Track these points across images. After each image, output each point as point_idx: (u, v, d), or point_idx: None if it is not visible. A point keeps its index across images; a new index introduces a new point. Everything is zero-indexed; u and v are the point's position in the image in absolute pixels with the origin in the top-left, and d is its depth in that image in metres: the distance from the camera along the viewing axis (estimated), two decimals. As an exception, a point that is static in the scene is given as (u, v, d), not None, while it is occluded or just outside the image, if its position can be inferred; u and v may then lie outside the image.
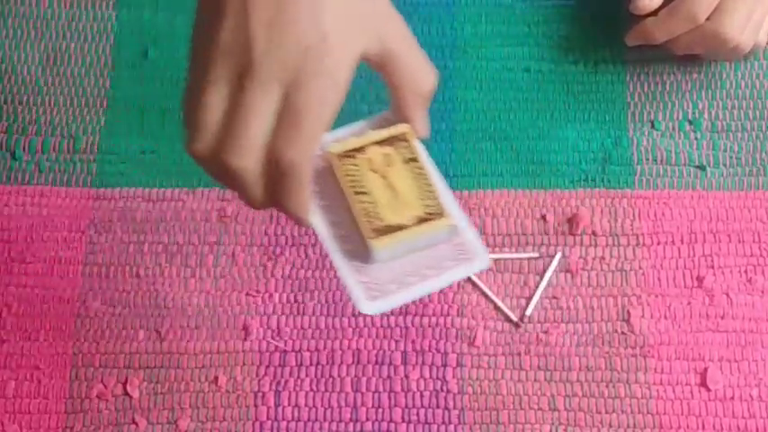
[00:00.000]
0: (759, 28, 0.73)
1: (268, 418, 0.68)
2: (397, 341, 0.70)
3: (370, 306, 0.55)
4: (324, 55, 0.50)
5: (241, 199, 0.54)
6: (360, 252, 0.56)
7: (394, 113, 0.57)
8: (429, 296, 0.71)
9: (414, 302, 0.71)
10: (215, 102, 0.50)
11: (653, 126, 0.76)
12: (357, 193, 0.55)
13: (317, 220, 0.56)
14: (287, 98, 0.50)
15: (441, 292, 0.71)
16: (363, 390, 0.69)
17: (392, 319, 0.70)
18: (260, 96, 0.50)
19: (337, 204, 0.56)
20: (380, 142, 0.56)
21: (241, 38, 0.50)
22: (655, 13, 0.73)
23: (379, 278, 0.56)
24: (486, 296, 0.71)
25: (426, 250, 0.56)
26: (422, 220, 0.55)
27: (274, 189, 0.52)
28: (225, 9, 0.50)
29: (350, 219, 0.56)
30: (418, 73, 0.55)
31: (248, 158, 0.51)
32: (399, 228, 0.55)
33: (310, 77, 0.50)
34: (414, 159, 0.56)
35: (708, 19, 0.71)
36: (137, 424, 0.68)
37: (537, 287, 0.71)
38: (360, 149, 0.56)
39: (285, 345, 0.70)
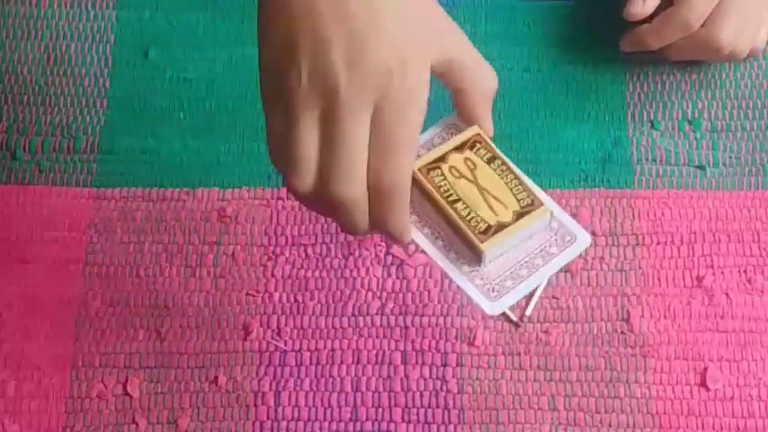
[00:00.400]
0: (756, 34, 0.73)
1: (268, 418, 0.68)
2: (397, 341, 0.70)
3: (495, 306, 0.57)
4: (404, 77, 0.51)
5: (343, 227, 0.55)
6: (466, 258, 0.57)
7: (461, 117, 0.58)
8: (429, 295, 0.71)
9: (417, 303, 0.71)
10: (308, 139, 0.51)
11: (653, 126, 0.76)
12: (452, 201, 0.56)
13: (419, 236, 0.58)
14: (376, 124, 0.51)
15: (440, 290, 0.71)
16: (363, 390, 0.69)
17: (392, 319, 0.70)
18: (353, 126, 0.51)
19: (429, 217, 0.58)
20: (458, 148, 0.58)
21: (323, 74, 0.50)
22: (649, 19, 0.73)
23: (493, 278, 0.57)
24: (486, 296, 0.71)
25: (527, 242, 0.58)
26: (521, 215, 0.56)
27: (377, 212, 0.53)
28: (298, 49, 0.51)
29: (447, 229, 0.57)
30: (482, 76, 0.57)
31: (355, 188, 0.52)
32: (502, 226, 0.56)
33: (395, 100, 0.51)
34: (494, 158, 0.58)
35: (702, 26, 0.71)
36: (137, 424, 0.68)
37: (537, 287, 0.71)
38: (441, 159, 0.57)
39: (285, 345, 0.70)
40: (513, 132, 0.76)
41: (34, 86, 0.78)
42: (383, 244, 0.72)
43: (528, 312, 0.71)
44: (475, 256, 0.57)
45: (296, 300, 0.71)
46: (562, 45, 0.79)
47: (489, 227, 0.56)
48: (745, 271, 0.72)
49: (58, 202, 0.74)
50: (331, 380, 0.69)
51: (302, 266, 0.72)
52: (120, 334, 0.70)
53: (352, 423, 0.68)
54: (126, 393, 0.69)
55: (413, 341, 0.70)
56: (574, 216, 0.73)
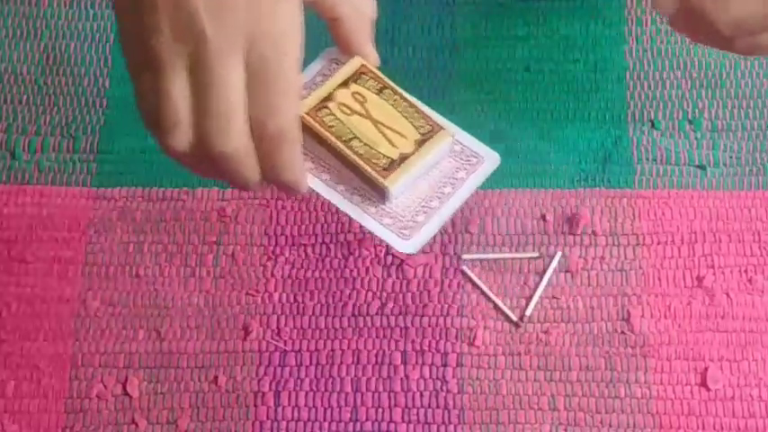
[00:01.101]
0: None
1: (268, 418, 0.68)
2: (397, 341, 0.70)
3: (409, 245, 0.54)
4: (274, 12, 0.48)
5: (233, 183, 0.52)
6: (371, 197, 0.54)
7: (341, 48, 0.55)
8: (429, 295, 0.71)
9: (417, 303, 0.71)
10: (179, 93, 0.48)
11: (653, 126, 0.76)
12: (347, 141, 0.54)
13: (317, 183, 0.55)
14: (251, 66, 0.48)
15: (440, 290, 0.71)
16: (363, 390, 0.69)
17: (392, 319, 0.70)
18: (225, 72, 0.48)
19: (325, 162, 0.55)
20: (343, 83, 0.55)
21: (186, 22, 0.48)
22: None
23: (403, 215, 0.54)
24: (486, 296, 0.71)
25: (434, 170, 0.55)
26: (422, 142, 0.54)
27: (267, 163, 0.50)
28: (157, 3, 0.48)
29: (347, 170, 0.54)
30: (359, 2, 0.54)
31: (236, 139, 0.49)
32: (405, 158, 0.53)
33: (268, 38, 0.48)
34: (384, 88, 0.55)
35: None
36: (136, 424, 0.68)
37: (537, 287, 0.71)
38: (327, 98, 0.54)
39: (285, 345, 0.70)
40: (513, 132, 0.76)
41: (34, 86, 0.78)
42: (383, 244, 0.72)
43: (528, 312, 0.71)
44: (380, 195, 0.54)
45: (296, 300, 0.71)
46: (562, 45, 0.79)
47: (391, 161, 0.53)
48: (745, 271, 0.72)
49: (58, 202, 0.74)
50: (331, 380, 0.69)
51: (302, 266, 0.72)
52: (120, 334, 0.70)
53: (351, 423, 0.68)
54: (125, 393, 0.69)
55: (413, 341, 0.70)
56: (574, 215, 0.73)
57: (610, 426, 0.68)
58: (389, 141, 0.54)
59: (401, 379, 0.69)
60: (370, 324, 0.70)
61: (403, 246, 0.54)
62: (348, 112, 0.54)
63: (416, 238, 0.54)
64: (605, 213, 0.73)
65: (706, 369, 0.69)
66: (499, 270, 0.72)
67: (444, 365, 0.69)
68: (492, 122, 0.76)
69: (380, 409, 0.68)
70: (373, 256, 0.72)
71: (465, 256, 0.72)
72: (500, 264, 0.72)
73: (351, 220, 0.56)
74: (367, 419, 0.68)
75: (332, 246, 0.73)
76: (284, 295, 0.71)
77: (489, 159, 0.55)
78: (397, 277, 0.72)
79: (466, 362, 0.69)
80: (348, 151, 0.53)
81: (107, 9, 0.79)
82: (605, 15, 0.79)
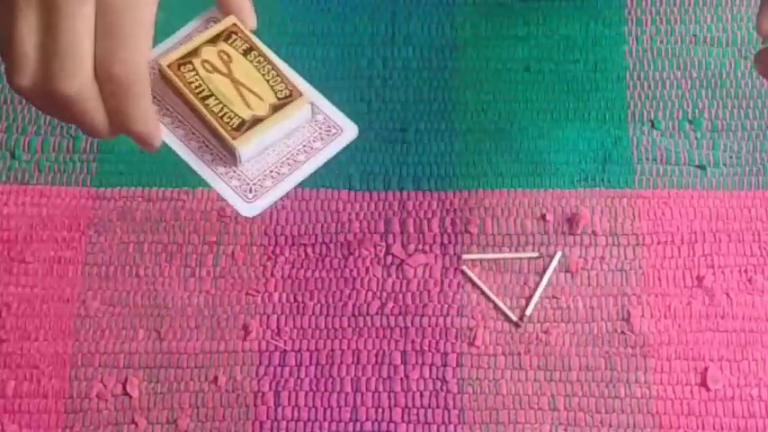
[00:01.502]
0: None
1: (268, 418, 0.68)
2: (397, 341, 0.70)
3: (250, 208, 0.54)
4: None
5: (82, 127, 0.51)
6: (223, 158, 0.54)
7: (220, 8, 0.55)
8: (429, 295, 0.71)
9: (417, 303, 0.71)
10: (28, 30, 0.48)
11: (653, 126, 0.76)
12: (203, 98, 0.53)
13: (170, 138, 0.54)
14: (101, 7, 0.48)
15: (440, 290, 0.71)
16: (363, 390, 0.69)
17: (392, 319, 0.70)
18: (72, 10, 0.47)
19: (183, 117, 0.54)
20: (212, 41, 0.54)
21: None
22: None
23: (251, 178, 0.54)
24: (486, 296, 0.71)
25: (292, 137, 0.55)
26: (278, 107, 0.53)
27: (114, 109, 0.50)
28: None
29: (201, 128, 0.54)
30: None
31: (78, 79, 0.48)
32: (258, 120, 0.53)
33: None
34: (250, 49, 0.54)
35: None
36: (136, 424, 0.68)
37: (537, 287, 0.71)
38: (193, 53, 0.54)
39: (285, 345, 0.70)
40: (513, 132, 0.76)
41: (34, 86, 0.78)
42: (383, 244, 0.72)
43: (528, 312, 0.71)
44: (230, 156, 0.54)
45: (296, 300, 0.71)
46: (562, 45, 0.79)
47: (243, 122, 0.53)
48: (745, 271, 0.72)
49: (58, 202, 0.74)
50: (331, 380, 0.69)
51: (302, 266, 0.72)
52: (120, 334, 0.70)
53: (351, 423, 0.68)
54: (125, 393, 0.69)
55: (413, 341, 0.70)
56: (574, 216, 0.73)
57: (610, 426, 0.68)
58: (245, 102, 0.53)
59: (401, 379, 0.69)
60: (370, 324, 0.70)
61: (245, 208, 0.54)
62: (210, 69, 0.54)
63: (260, 202, 0.54)
64: (605, 213, 0.73)
65: (706, 369, 0.69)
66: (499, 270, 0.72)
67: (444, 365, 0.69)
68: (492, 122, 0.76)
69: (380, 409, 0.68)
70: (373, 256, 0.72)
71: (465, 256, 0.72)
72: (500, 264, 0.72)
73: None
74: (367, 419, 0.68)
75: (332, 246, 0.73)
76: (284, 295, 0.71)
77: (348, 131, 0.55)
78: (397, 277, 0.72)
79: (466, 362, 0.69)
80: (202, 107, 0.53)
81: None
82: (605, 15, 0.79)
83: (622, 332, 0.70)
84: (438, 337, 0.70)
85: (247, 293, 0.71)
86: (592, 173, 0.75)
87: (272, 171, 0.54)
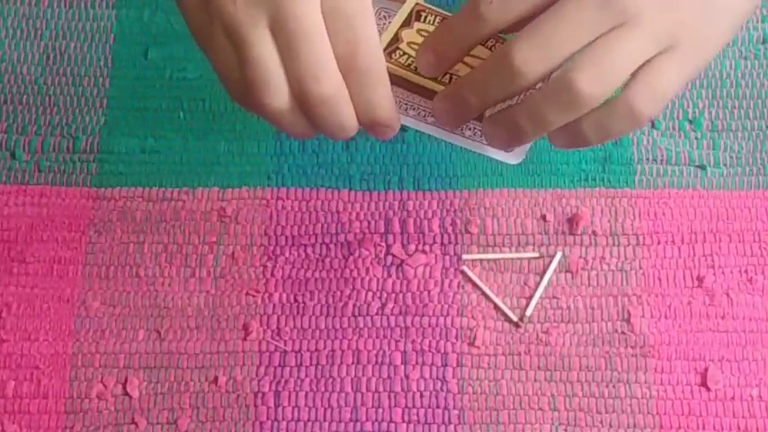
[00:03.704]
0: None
1: (268, 418, 0.68)
2: (397, 341, 0.70)
3: (515, 154, 0.56)
4: None
5: (328, 131, 0.53)
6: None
7: None
8: (429, 295, 0.71)
9: (417, 303, 0.71)
10: (268, 51, 0.50)
11: (653, 126, 0.76)
12: (432, 77, 0.55)
13: (409, 120, 0.57)
14: (328, 9, 0.50)
15: (440, 290, 0.71)
16: (363, 390, 0.69)
17: (392, 319, 0.70)
18: (309, 20, 0.49)
19: (409, 102, 0.56)
20: (404, 24, 0.56)
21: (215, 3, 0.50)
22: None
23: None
24: (486, 296, 0.71)
25: None
26: None
27: (361, 99, 0.52)
28: None
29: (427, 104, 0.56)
30: None
31: (331, 77, 0.50)
32: None
33: None
34: (445, 19, 0.56)
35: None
36: (136, 424, 0.68)
37: (537, 287, 0.71)
38: (394, 40, 0.55)
39: (285, 345, 0.70)
40: (514, 132, 0.76)
41: (34, 86, 0.78)
42: (383, 244, 0.72)
43: (528, 312, 0.71)
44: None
45: (296, 300, 0.71)
46: (562, 45, 0.79)
47: None
48: (745, 271, 0.72)
49: (58, 202, 0.74)
50: (331, 380, 0.69)
51: (302, 266, 0.72)
52: (120, 334, 0.70)
53: (352, 423, 0.68)
54: (125, 393, 0.69)
55: (413, 341, 0.70)
56: (574, 216, 0.73)
57: (610, 426, 0.68)
58: (468, 66, 0.55)
59: (401, 379, 0.69)
60: (370, 324, 0.70)
61: (511, 157, 0.56)
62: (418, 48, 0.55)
63: (522, 147, 0.56)
64: (605, 213, 0.73)
65: (706, 369, 0.69)
66: (499, 270, 0.72)
67: (444, 365, 0.69)
68: None
69: (380, 409, 0.68)
70: (373, 256, 0.72)
71: (465, 256, 0.72)
72: (500, 264, 0.72)
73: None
74: (367, 419, 0.68)
75: (332, 246, 0.73)
76: (284, 295, 0.71)
77: None
78: (397, 277, 0.72)
79: (466, 362, 0.69)
80: (434, 84, 0.55)
81: (107, 9, 0.79)
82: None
83: (622, 332, 0.70)
84: (438, 338, 0.70)
85: (247, 293, 0.71)
86: (592, 173, 0.75)
87: None
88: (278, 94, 0.51)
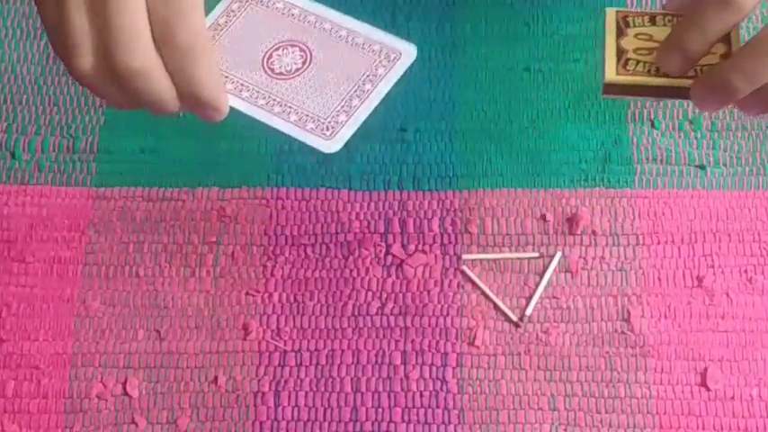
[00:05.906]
0: None
1: (268, 418, 0.68)
2: (397, 341, 0.70)
3: (330, 144, 0.56)
4: None
5: (150, 105, 0.52)
6: (291, 107, 0.57)
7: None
8: (429, 295, 0.71)
9: (417, 303, 0.71)
10: (80, 12, 0.49)
11: (653, 125, 0.76)
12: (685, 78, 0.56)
13: (237, 101, 0.56)
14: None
15: (440, 290, 0.71)
16: (363, 390, 0.69)
17: (392, 319, 0.70)
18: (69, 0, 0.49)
19: (241, 82, 0.57)
20: (619, 35, 0.57)
21: None
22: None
23: (325, 117, 0.56)
24: (486, 296, 0.71)
25: (353, 71, 0.57)
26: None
27: (182, 78, 0.50)
28: None
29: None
30: None
31: (142, 52, 0.49)
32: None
33: None
34: (653, 16, 0.58)
35: None
36: (136, 424, 0.68)
37: (537, 287, 0.71)
38: (620, 53, 0.57)
39: (285, 345, 0.70)
40: (513, 132, 0.76)
41: (34, 86, 0.78)
42: (383, 244, 0.72)
43: (528, 312, 0.71)
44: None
45: (296, 300, 0.71)
46: (562, 44, 0.79)
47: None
48: (745, 271, 0.72)
49: (58, 202, 0.74)
50: (331, 380, 0.69)
51: (302, 266, 0.72)
52: (120, 334, 0.70)
53: (351, 423, 0.68)
54: (125, 393, 0.69)
55: (413, 341, 0.70)
56: (574, 216, 0.73)
57: (610, 426, 0.68)
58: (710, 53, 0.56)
59: (401, 379, 0.69)
60: (370, 324, 0.70)
61: (327, 145, 0.56)
62: (646, 52, 0.56)
63: (339, 136, 0.56)
64: (605, 213, 0.73)
65: (706, 369, 0.69)
66: (499, 270, 0.72)
67: (444, 365, 0.69)
68: (492, 122, 0.76)
69: (380, 409, 0.68)
70: (373, 256, 0.72)
71: (465, 256, 0.72)
72: (500, 264, 0.72)
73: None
74: (367, 419, 0.68)
75: (332, 246, 0.73)
76: (284, 295, 0.71)
77: (407, 54, 0.57)
78: (397, 277, 0.72)
79: (466, 362, 0.69)
80: (688, 81, 0.55)
81: (107, 9, 0.79)
82: (605, 15, 0.79)
83: (622, 332, 0.70)
84: (438, 337, 0.70)
85: (247, 293, 0.71)
86: (592, 173, 0.75)
87: (342, 106, 0.56)
88: (85, 59, 0.50)
